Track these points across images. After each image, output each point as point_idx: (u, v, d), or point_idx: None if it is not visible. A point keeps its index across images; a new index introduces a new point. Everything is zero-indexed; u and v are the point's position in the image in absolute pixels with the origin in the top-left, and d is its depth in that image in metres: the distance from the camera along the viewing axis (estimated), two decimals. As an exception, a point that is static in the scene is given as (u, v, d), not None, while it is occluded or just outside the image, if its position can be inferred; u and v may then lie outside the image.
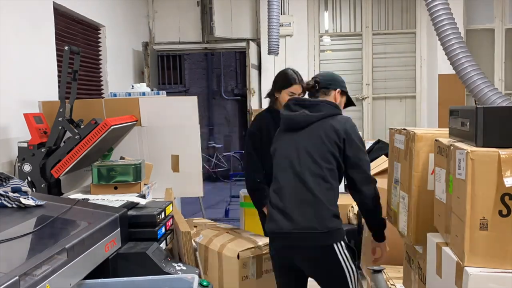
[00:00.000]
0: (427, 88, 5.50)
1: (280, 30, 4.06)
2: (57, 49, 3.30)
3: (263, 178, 2.71)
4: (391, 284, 2.37)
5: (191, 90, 11.65)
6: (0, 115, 2.63)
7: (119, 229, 1.71)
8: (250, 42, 5.40)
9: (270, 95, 2.82)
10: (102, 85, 4.34)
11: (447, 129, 1.71)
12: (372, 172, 3.98)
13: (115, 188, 2.35)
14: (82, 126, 2.57)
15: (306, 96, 2.41)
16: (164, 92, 3.36)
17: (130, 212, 1.90)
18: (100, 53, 4.31)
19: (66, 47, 2.55)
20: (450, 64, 2.34)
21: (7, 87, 2.70)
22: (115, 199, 2.07)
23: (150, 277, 1.56)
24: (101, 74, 4.33)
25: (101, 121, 2.49)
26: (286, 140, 2.19)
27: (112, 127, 2.46)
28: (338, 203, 2.15)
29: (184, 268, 1.74)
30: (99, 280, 1.52)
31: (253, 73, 5.42)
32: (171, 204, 2.14)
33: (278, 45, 4.07)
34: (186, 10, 5.80)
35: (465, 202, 1.36)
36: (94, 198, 2.12)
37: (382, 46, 5.62)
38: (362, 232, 3.89)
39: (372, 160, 4.06)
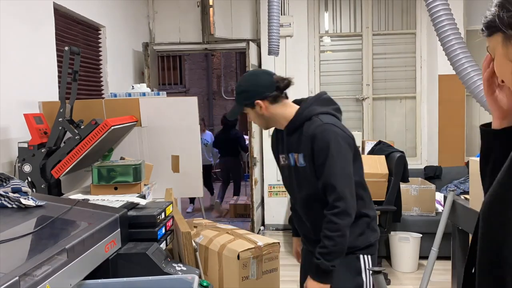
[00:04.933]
0: (427, 88, 5.50)
1: (280, 31, 4.06)
2: (57, 50, 3.30)
3: None
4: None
5: (191, 90, 11.64)
6: (0, 116, 2.63)
7: (119, 229, 1.71)
8: (250, 42, 5.40)
9: None
10: (102, 85, 4.34)
11: None
12: (370, 172, 3.98)
13: (115, 188, 2.35)
14: (82, 127, 2.57)
15: None
16: (164, 92, 3.36)
17: (130, 213, 1.90)
18: (100, 53, 4.31)
19: (66, 48, 2.55)
20: (450, 64, 2.34)
21: (7, 88, 2.70)
22: (115, 200, 2.07)
23: (150, 277, 1.56)
24: (101, 74, 4.33)
25: (101, 121, 2.49)
26: None
27: (112, 127, 2.46)
28: None
29: (184, 268, 1.74)
30: (99, 281, 1.52)
31: (253, 74, 5.41)
32: (171, 205, 2.14)
33: (278, 45, 4.07)
34: (186, 10, 5.80)
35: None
36: (94, 199, 2.12)
37: (382, 46, 5.63)
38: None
39: (372, 161, 4.05)
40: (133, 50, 5.16)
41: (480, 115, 5.43)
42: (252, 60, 5.39)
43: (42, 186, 2.49)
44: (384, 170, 3.81)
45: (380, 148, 4.31)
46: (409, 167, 4.09)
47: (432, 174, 5.08)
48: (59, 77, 3.24)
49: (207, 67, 11.90)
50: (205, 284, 1.63)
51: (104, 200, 2.08)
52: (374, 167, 3.83)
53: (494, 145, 0.99)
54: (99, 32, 4.30)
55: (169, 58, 10.39)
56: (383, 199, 3.87)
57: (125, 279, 1.55)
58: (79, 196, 2.19)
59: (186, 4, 5.80)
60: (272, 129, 2.16)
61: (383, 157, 3.93)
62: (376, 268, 2.41)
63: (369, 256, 1.99)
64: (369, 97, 5.62)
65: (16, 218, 1.59)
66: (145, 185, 2.52)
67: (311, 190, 1.91)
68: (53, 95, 3.19)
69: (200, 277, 1.67)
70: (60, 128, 2.55)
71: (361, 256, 1.97)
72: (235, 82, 11.90)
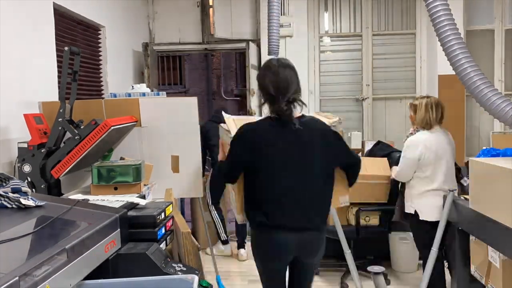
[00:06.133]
0: (427, 88, 5.50)
1: (280, 31, 4.06)
2: (57, 50, 3.30)
3: None
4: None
5: (191, 90, 11.63)
6: (0, 116, 2.63)
7: (119, 229, 1.71)
8: (250, 42, 5.40)
9: None
10: (102, 85, 4.34)
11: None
12: (373, 174, 3.97)
13: (115, 188, 2.35)
14: (82, 127, 2.57)
15: None
16: (164, 92, 3.36)
17: (130, 213, 1.90)
18: (100, 53, 4.31)
19: (66, 48, 2.55)
20: (450, 64, 2.34)
21: (7, 88, 2.70)
22: (115, 200, 2.07)
23: (150, 277, 1.57)
24: (101, 74, 4.33)
25: (101, 121, 2.49)
26: None
27: (112, 127, 2.46)
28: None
29: (184, 268, 1.74)
30: (99, 281, 1.52)
31: (253, 74, 5.41)
32: (171, 205, 2.14)
33: (278, 45, 4.06)
34: (186, 10, 5.80)
35: None
36: (94, 199, 2.12)
37: (382, 47, 5.62)
38: (360, 232, 3.90)
39: (372, 161, 4.04)
40: (133, 50, 5.16)
41: (480, 116, 5.43)
42: (252, 60, 5.39)
43: (42, 186, 2.48)
44: (387, 172, 3.80)
45: (379, 148, 4.30)
46: (409, 167, 4.09)
47: (432, 174, 5.07)
48: (59, 77, 3.24)
49: (207, 67, 11.89)
50: (204, 284, 1.63)
51: (104, 200, 2.08)
52: (377, 169, 3.83)
53: None
54: (99, 32, 4.30)
55: (169, 58, 10.36)
56: (386, 201, 3.86)
57: (125, 279, 1.56)
58: (79, 196, 2.19)
59: (186, 4, 5.80)
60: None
61: (385, 159, 3.93)
62: (376, 268, 2.42)
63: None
64: (369, 97, 5.62)
65: (16, 218, 1.60)
66: (145, 185, 2.53)
67: None
68: (53, 95, 3.19)
69: (200, 277, 1.67)
70: (60, 128, 2.55)
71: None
72: (235, 82, 11.89)
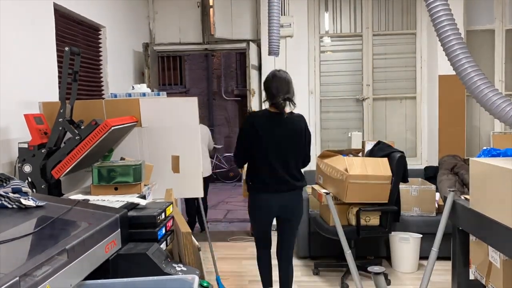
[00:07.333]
0: (427, 89, 5.50)
1: (280, 31, 4.05)
2: (57, 50, 3.30)
3: None
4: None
5: (191, 90, 11.64)
6: (1, 116, 2.63)
7: (119, 229, 1.71)
8: (250, 43, 5.40)
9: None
10: (102, 86, 4.34)
11: None
12: (373, 175, 3.97)
13: (116, 189, 2.35)
14: (82, 127, 2.57)
15: None
16: (165, 93, 3.36)
17: (131, 213, 1.90)
18: (100, 54, 4.31)
19: (66, 48, 2.55)
20: (451, 65, 2.33)
21: (7, 88, 2.70)
22: (115, 200, 2.07)
23: (150, 278, 1.56)
24: (101, 75, 4.33)
25: (102, 122, 2.49)
26: None
27: (113, 128, 2.46)
28: None
29: (184, 268, 1.74)
30: (99, 281, 1.52)
31: (253, 74, 5.42)
32: (171, 205, 2.14)
33: (279, 46, 4.06)
34: (187, 11, 5.80)
35: None
36: (94, 199, 2.12)
37: (382, 47, 5.63)
38: (360, 232, 3.90)
39: (372, 161, 4.03)
40: (133, 51, 5.16)
41: (480, 115, 5.44)
42: (252, 60, 5.39)
43: (42, 186, 2.49)
44: (387, 172, 3.79)
45: (380, 148, 4.30)
46: (409, 167, 4.09)
47: (432, 175, 5.07)
48: (59, 77, 3.25)
49: (207, 67, 11.90)
50: (205, 284, 1.63)
51: (104, 200, 2.08)
52: (378, 169, 3.82)
53: None
54: (99, 32, 4.30)
55: (169, 58, 10.39)
56: (386, 201, 3.85)
57: (125, 279, 1.55)
58: (79, 197, 2.19)
59: (186, 5, 5.81)
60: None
61: (385, 159, 3.92)
62: (376, 268, 2.42)
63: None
64: (369, 97, 5.62)
65: (16, 218, 1.59)
66: (145, 185, 2.53)
67: None
68: (53, 95, 3.20)
69: (200, 277, 1.67)
70: (60, 128, 2.55)
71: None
72: (235, 83, 11.89)
